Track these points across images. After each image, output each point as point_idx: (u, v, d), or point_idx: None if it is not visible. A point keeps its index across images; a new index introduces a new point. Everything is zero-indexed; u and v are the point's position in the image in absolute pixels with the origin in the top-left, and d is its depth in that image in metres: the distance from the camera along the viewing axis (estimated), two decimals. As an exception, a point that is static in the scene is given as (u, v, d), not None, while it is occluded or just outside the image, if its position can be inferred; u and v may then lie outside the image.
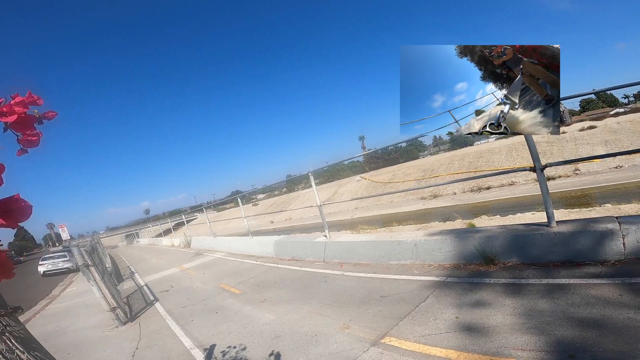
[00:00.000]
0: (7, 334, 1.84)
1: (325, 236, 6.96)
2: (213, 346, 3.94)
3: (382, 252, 5.49)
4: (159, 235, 37.70)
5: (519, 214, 15.14)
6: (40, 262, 20.09)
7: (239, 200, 10.37)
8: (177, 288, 7.81)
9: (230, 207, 69.50)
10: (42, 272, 19.31)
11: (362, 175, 49.43)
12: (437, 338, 3.06)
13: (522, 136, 3.95)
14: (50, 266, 19.26)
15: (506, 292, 3.53)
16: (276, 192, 77.02)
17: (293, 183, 75.92)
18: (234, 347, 3.75)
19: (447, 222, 16.85)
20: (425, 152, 73.81)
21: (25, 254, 73.85)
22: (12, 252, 58.06)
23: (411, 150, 68.98)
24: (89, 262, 5.31)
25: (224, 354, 3.69)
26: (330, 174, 63.36)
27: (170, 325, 5.10)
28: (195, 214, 55.59)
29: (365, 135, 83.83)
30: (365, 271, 5.32)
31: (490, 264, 4.18)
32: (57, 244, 67.60)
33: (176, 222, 27.58)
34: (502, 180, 26.58)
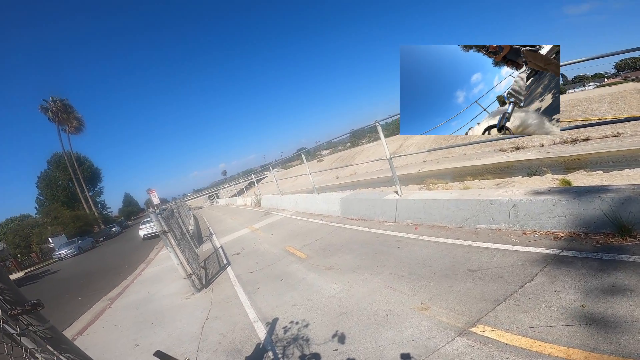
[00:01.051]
0: (31, 335, 1.36)
1: (397, 193, 6.22)
2: (275, 320, 3.71)
3: (467, 213, 4.60)
4: (234, 195, 40.66)
5: (627, 170, 12.35)
6: (140, 227, 22.12)
7: (303, 157, 10.03)
8: (247, 250, 7.96)
9: (297, 164, 71.39)
10: (142, 236, 21.16)
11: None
12: (554, 332, 2.30)
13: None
14: (148, 230, 20.63)
15: (656, 275, 2.53)
16: (340, 148, 76.57)
17: (357, 137, 74.38)
18: (296, 323, 3.45)
19: (533, 177, 14.63)
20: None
21: (132, 218, 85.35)
22: (122, 217, 66.35)
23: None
24: (166, 229, 5.43)
25: (285, 330, 3.42)
26: (395, 126, 60.13)
27: (238, 293, 5.08)
28: (265, 173, 58.47)
29: None
30: (446, 236, 4.54)
31: (626, 235, 3.08)
32: (155, 208, 77.43)
33: (248, 181, 29.10)
34: (604, 130, 22.09)
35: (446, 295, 3.11)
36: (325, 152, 79.50)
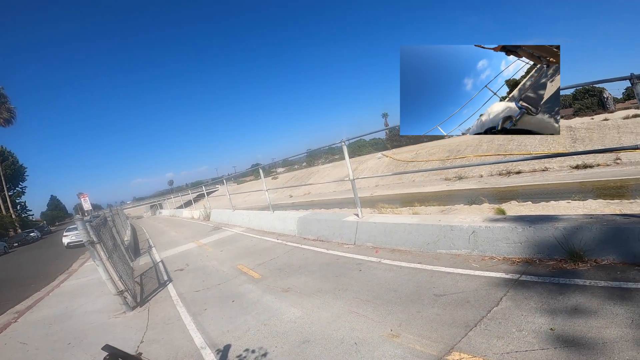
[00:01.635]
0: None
1: (357, 215, 6.17)
2: (227, 347, 3.28)
3: (427, 238, 4.64)
4: (180, 206, 38.25)
5: (552, 202, 13.87)
6: (64, 233, 19.77)
7: (260, 171, 9.69)
8: (192, 267, 7.32)
9: (250, 180, 69.83)
10: (66, 244, 18.97)
11: (383, 152, 47.88)
12: (530, 356, 2.27)
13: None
14: (74, 237, 18.38)
15: (612, 297, 2.67)
16: (296, 167, 76.67)
17: (313, 157, 75.17)
18: (252, 352, 3.07)
19: (473, 205, 15.75)
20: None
21: (57, 223, 76.62)
22: (44, 221, 59.93)
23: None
24: (94, 239, 4.70)
25: (240, 359, 3.04)
26: (350, 150, 61.79)
27: (181, 314, 4.52)
28: (217, 186, 56.09)
29: (389, 113, 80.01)
30: (408, 260, 4.51)
31: (578, 261, 3.27)
32: (85, 214, 70.24)
33: (197, 193, 27.59)
34: (534, 165, 24.89)
35: (416, 321, 2.99)
36: (280, 169, 78.99)
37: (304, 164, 77.38)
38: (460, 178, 29.01)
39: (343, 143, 5.67)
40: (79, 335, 4.55)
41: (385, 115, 79.69)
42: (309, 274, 5.00)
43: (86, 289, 7.47)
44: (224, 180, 15.32)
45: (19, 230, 41.81)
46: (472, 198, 18.44)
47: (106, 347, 1.67)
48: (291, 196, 46.18)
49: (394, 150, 48.74)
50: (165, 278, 6.75)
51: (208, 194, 19.70)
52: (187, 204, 36.12)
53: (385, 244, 5.27)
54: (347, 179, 5.93)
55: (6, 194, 45.02)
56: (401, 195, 29.23)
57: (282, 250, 6.84)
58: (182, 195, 38.10)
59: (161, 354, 3.50)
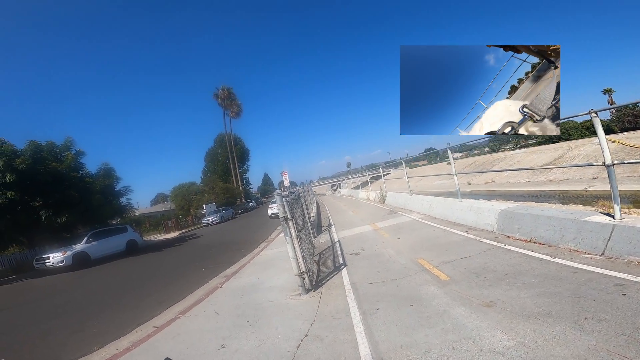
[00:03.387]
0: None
1: (610, 215, 4.22)
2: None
3: None
4: (357, 187, 40.85)
5: None
6: (270, 205, 23.54)
7: (449, 152, 8.44)
8: (367, 252, 7.04)
9: (423, 165, 67.28)
10: (270, 214, 22.45)
11: (609, 136, 35.38)
12: None
13: None
14: (275, 209, 20.94)
15: None
16: (475, 152, 68.24)
17: (498, 142, 64.86)
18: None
19: None
20: None
21: (267, 196, 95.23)
22: (259, 194, 75.67)
23: None
24: (288, 216, 4.97)
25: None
26: (563, 128, 49.32)
27: (351, 309, 4.12)
28: (389, 169, 56.93)
29: (615, 88, 56.79)
30: None
31: None
32: (284, 190, 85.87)
33: (372, 175, 28.51)
34: None
35: None
36: (457, 154, 72.38)
37: (486, 149, 67.78)
38: None
39: (594, 113, 3.86)
40: (257, 313, 4.79)
41: (608, 91, 56.49)
42: (524, 287, 3.70)
43: (275, 261, 8.26)
44: (403, 162, 14.75)
45: (243, 200, 54.21)
46: None
47: None
48: (469, 184, 41.27)
49: (625, 134, 35.14)
50: (341, 261, 6.70)
51: (383, 176, 19.69)
52: (363, 184, 38.18)
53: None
54: (599, 163, 4.08)
55: (237, 171, 60.00)
56: (633, 192, 20.69)
57: (476, 248, 5.60)
58: (359, 177, 40.48)
59: (321, 355, 3.17)
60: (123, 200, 21.92)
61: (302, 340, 3.59)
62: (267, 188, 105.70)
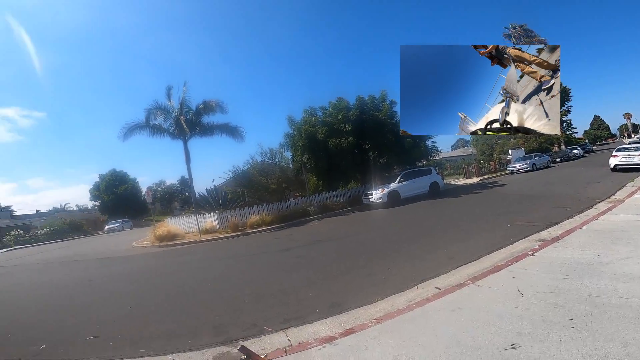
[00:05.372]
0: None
1: None
2: None
3: None
4: None
5: None
6: (613, 153, 17.42)
7: None
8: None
9: None
10: (611, 166, 16.95)
11: None
12: None
13: None
14: (623, 159, 16.20)
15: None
16: None
17: None
18: None
19: None
20: None
21: (598, 143, 76.66)
22: (587, 140, 59.42)
23: None
24: None
25: None
26: None
27: None
28: None
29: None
30: None
31: None
32: (632, 135, 60.93)
33: None
34: None
35: None
36: None
37: None
38: None
39: None
40: (592, 312, 3.01)
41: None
42: None
43: (633, 234, 5.46)
44: None
45: (563, 147, 44.35)
46: None
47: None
48: None
49: None
50: None
51: None
52: None
53: None
54: None
55: (557, 112, 48.58)
56: None
57: None
58: None
59: None
60: (429, 143, 23.47)
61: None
62: (599, 133, 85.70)
